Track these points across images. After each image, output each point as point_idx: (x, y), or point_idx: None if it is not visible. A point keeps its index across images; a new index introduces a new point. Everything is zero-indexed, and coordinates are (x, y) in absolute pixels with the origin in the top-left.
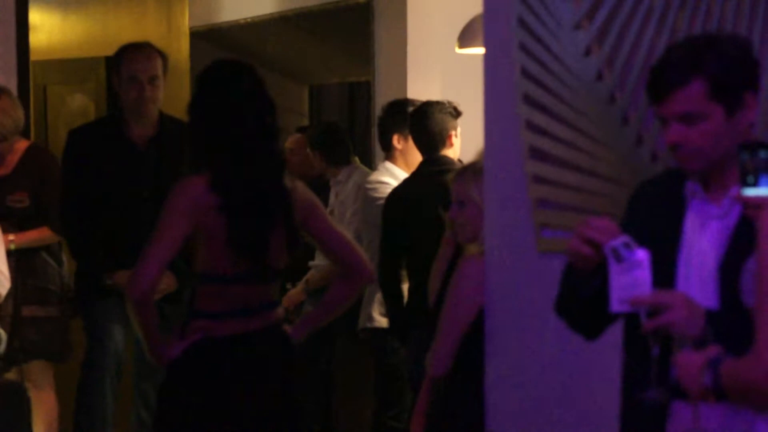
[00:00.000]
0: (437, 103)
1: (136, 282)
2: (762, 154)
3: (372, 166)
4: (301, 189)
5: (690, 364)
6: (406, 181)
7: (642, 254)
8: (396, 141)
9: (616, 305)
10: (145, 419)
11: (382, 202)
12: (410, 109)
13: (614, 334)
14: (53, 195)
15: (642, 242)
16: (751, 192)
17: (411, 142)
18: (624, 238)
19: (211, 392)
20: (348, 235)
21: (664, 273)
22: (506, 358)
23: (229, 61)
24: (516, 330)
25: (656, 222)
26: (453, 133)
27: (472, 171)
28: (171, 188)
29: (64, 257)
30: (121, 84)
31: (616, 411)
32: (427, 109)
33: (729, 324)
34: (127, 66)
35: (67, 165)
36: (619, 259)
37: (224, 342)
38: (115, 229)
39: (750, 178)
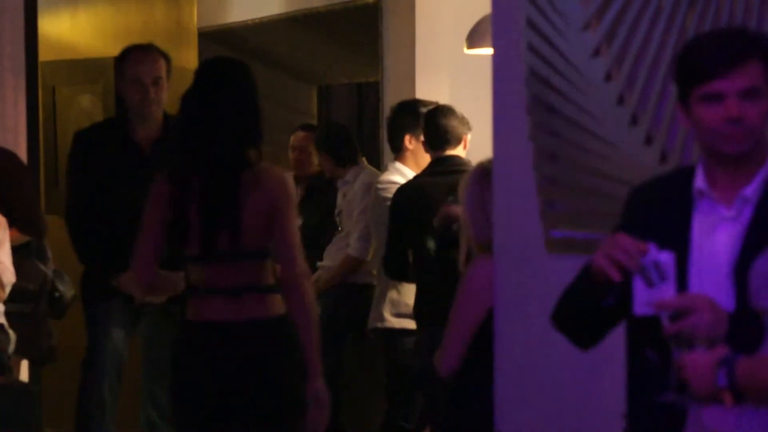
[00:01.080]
0: (451, 107)
1: (136, 281)
2: None
3: (380, 166)
4: (271, 184)
5: (700, 364)
6: (415, 178)
7: (667, 260)
8: (408, 141)
9: (639, 308)
10: (155, 421)
11: (389, 202)
12: (422, 109)
13: (622, 334)
14: (19, 198)
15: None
16: None
17: (421, 143)
18: (652, 256)
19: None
20: (296, 238)
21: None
22: (515, 359)
23: (220, 60)
24: (525, 331)
25: (663, 224)
26: (467, 135)
27: (479, 173)
28: None
29: (50, 253)
30: (124, 86)
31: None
32: (444, 108)
33: (743, 326)
34: (130, 68)
35: (73, 166)
36: (649, 283)
37: (213, 328)
38: (121, 231)
39: None
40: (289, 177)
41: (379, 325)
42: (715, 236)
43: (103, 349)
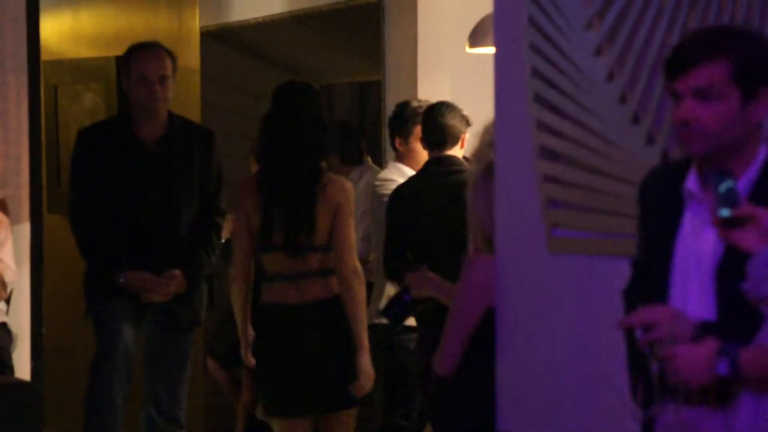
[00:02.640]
0: (452, 104)
1: (231, 274)
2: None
3: (383, 165)
4: (333, 191)
5: (693, 356)
6: (411, 179)
7: None
8: (398, 144)
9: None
10: (157, 421)
11: (387, 199)
12: (409, 110)
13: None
14: None
15: (642, 241)
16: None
17: (413, 144)
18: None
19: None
20: (352, 238)
21: (660, 274)
22: (517, 358)
23: (298, 85)
24: (526, 330)
25: (654, 221)
26: (465, 134)
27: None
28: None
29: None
30: (130, 84)
31: (627, 410)
32: (443, 106)
33: (728, 329)
34: (137, 66)
35: (77, 164)
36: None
37: (277, 309)
38: (125, 229)
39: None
40: (349, 184)
41: (376, 321)
42: (702, 237)
43: (115, 350)
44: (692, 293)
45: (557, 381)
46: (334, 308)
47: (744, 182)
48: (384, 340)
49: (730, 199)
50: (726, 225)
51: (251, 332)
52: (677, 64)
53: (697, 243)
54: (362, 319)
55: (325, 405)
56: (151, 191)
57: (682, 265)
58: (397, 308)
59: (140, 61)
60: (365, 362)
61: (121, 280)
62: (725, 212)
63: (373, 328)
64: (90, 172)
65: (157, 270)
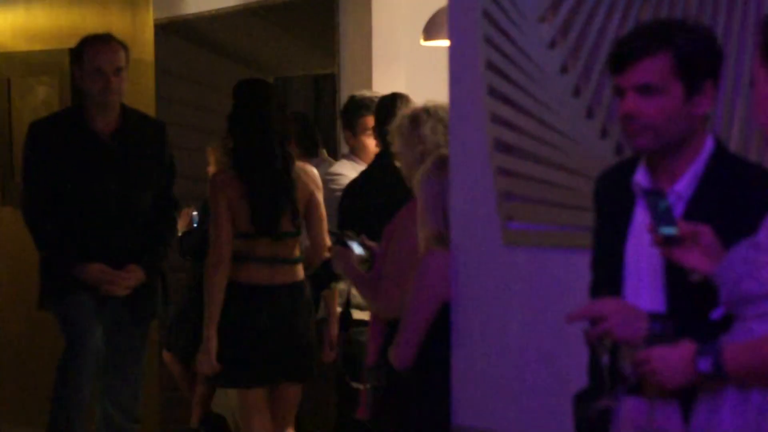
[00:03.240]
0: (402, 95)
1: (212, 260)
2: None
3: (338, 158)
4: (306, 179)
5: (670, 357)
6: (363, 173)
7: None
8: (347, 138)
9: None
10: (112, 414)
11: (339, 193)
12: (359, 100)
13: (579, 325)
14: None
15: (595, 236)
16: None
17: (360, 137)
18: None
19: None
20: (326, 221)
21: (613, 268)
22: (472, 351)
23: (255, 81)
24: (481, 322)
25: (607, 215)
26: None
27: (436, 163)
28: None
29: None
30: (84, 76)
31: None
32: (394, 100)
33: (678, 320)
34: (91, 58)
35: (30, 158)
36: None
37: (249, 288)
38: (82, 222)
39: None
40: (316, 171)
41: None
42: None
43: (84, 347)
44: (644, 285)
45: (512, 373)
46: (298, 291)
47: (690, 176)
48: (338, 335)
49: (668, 217)
50: (668, 243)
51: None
52: (619, 59)
53: (648, 236)
54: (335, 293)
55: (282, 376)
56: (106, 184)
57: (634, 258)
58: (324, 273)
59: (94, 52)
60: (334, 331)
61: (82, 276)
62: (667, 230)
63: (320, 322)
64: (43, 165)
65: (114, 263)
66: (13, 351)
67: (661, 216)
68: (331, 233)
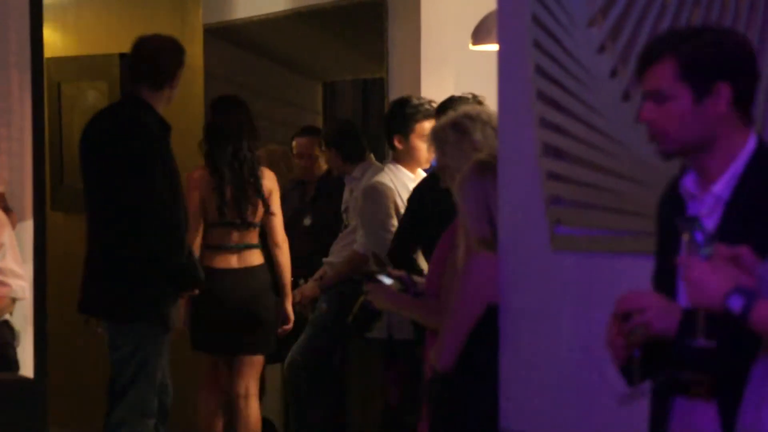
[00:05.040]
0: (461, 98)
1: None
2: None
3: (386, 162)
4: (267, 180)
5: (709, 277)
6: (428, 177)
7: None
8: (397, 141)
9: None
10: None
11: (380, 202)
12: (409, 109)
13: None
14: None
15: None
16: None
17: (414, 141)
18: None
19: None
20: (281, 215)
21: (670, 277)
22: (520, 356)
23: (229, 98)
24: (530, 327)
25: (666, 227)
26: None
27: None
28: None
29: None
30: (174, 84)
31: (631, 406)
32: (451, 104)
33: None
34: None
35: (153, 158)
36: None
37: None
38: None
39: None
40: (273, 174)
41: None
42: None
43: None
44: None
45: (561, 378)
46: (262, 274)
47: (728, 177)
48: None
49: (709, 240)
50: None
51: None
52: (636, 68)
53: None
54: (288, 273)
55: (244, 348)
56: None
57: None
58: (363, 316)
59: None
60: (289, 308)
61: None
62: (707, 250)
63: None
64: (165, 167)
65: None
66: (63, 354)
67: (705, 240)
68: (359, 277)
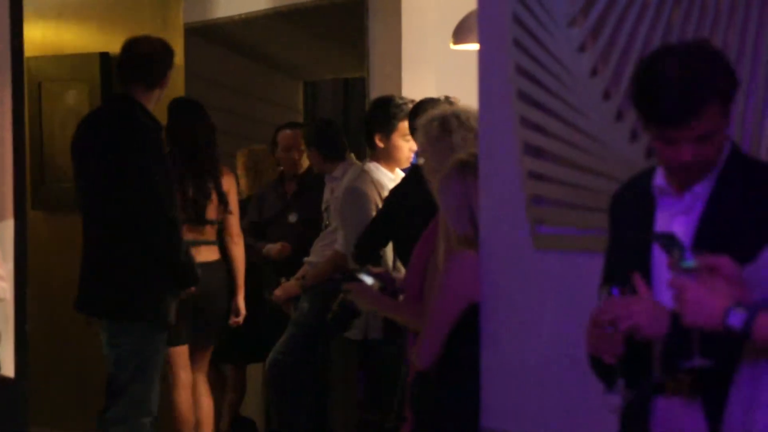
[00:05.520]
0: (433, 100)
1: None
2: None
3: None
4: (225, 181)
5: (706, 298)
6: (408, 176)
7: None
8: (378, 140)
9: None
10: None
11: (361, 203)
12: (399, 104)
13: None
14: None
15: (617, 244)
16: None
17: (395, 140)
18: None
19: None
20: (237, 213)
21: (640, 271)
22: (501, 354)
23: (185, 100)
24: (511, 326)
25: (628, 222)
26: None
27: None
28: None
29: None
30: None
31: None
32: (425, 105)
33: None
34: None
35: (155, 161)
36: None
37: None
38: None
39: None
40: (232, 174)
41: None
42: (671, 229)
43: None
44: (665, 288)
45: (542, 376)
46: (218, 268)
47: (713, 177)
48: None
49: (686, 254)
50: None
51: None
52: (675, 115)
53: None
54: (242, 267)
55: (200, 337)
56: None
57: (659, 260)
58: (342, 314)
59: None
60: (241, 302)
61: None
62: (688, 264)
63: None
64: (166, 167)
65: None
66: (44, 354)
67: (678, 256)
68: (339, 276)
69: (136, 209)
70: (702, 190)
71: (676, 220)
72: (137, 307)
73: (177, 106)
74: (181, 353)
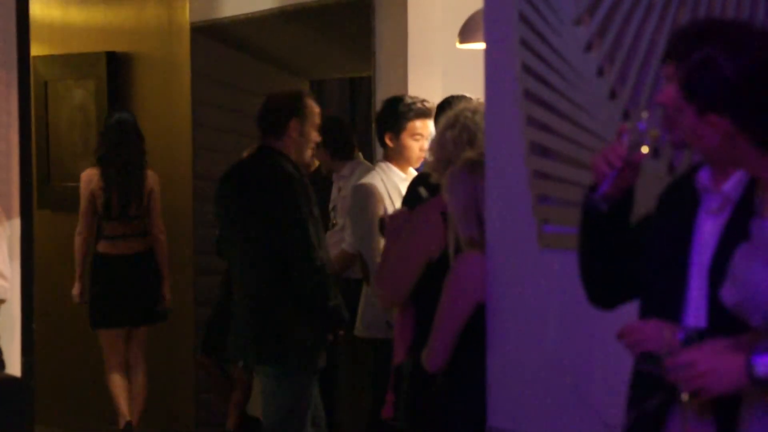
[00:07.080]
0: (464, 97)
1: (77, 230)
2: None
3: (372, 161)
4: (150, 180)
5: (720, 367)
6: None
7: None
8: (388, 139)
9: None
10: None
11: (369, 202)
12: (409, 103)
13: (616, 328)
14: None
15: (657, 240)
16: None
17: (404, 140)
18: None
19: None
20: (159, 210)
21: (678, 269)
22: (507, 354)
23: (116, 111)
24: (517, 326)
25: (671, 218)
26: None
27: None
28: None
29: None
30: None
31: (618, 405)
32: (452, 101)
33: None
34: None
35: (302, 210)
36: None
37: (111, 257)
38: None
39: None
40: (156, 175)
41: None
42: (703, 229)
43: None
44: (695, 286)
45: (548, 376)
46: (147, 257)
47: (738, 176)
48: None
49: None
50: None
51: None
52: (670, 47)
53: (701, 234)
54: (165, 259)
55: (137, 320)
56: None
57: (697, 256)
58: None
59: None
60: (166, 289)
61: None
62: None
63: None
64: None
65: None
66: (50, 353)
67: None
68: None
69: (287, 256)
70: (731, 191)
71: (707, 220)
72: (289, 356)
73: (108, 117)
74: (111, 335)
